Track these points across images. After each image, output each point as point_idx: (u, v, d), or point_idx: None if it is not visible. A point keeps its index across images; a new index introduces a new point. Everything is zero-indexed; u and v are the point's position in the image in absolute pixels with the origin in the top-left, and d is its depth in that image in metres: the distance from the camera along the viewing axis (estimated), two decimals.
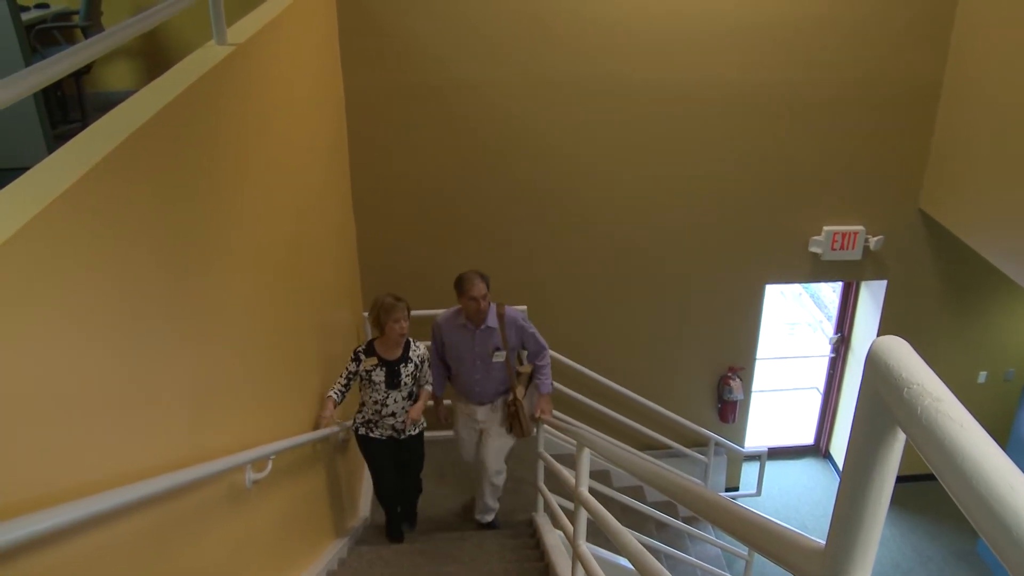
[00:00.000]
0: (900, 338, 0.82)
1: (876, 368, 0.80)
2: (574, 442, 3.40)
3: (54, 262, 1.44)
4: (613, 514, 2.84)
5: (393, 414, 4.04)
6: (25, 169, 1.56)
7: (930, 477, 0.90)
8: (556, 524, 4.30)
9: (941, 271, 6.11)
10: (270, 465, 2.85)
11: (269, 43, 3.19)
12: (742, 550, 5.38)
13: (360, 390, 4.15)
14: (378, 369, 3.96)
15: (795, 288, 10.64)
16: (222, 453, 2.37)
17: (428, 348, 4.30)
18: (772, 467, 6.94)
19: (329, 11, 4.89)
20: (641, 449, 6.06)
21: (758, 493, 6.48)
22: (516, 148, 5.51)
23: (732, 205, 5.78)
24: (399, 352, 4.00)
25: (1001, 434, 6.28)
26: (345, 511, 4.67)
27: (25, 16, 4.15)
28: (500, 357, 4.30)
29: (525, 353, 4.49)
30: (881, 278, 6.18)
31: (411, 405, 4.11)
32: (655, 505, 4.95)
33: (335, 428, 3.95)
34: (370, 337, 4.19)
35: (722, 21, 5.23)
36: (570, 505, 3.63)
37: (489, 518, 4.87)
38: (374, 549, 4.52)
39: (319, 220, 4.29)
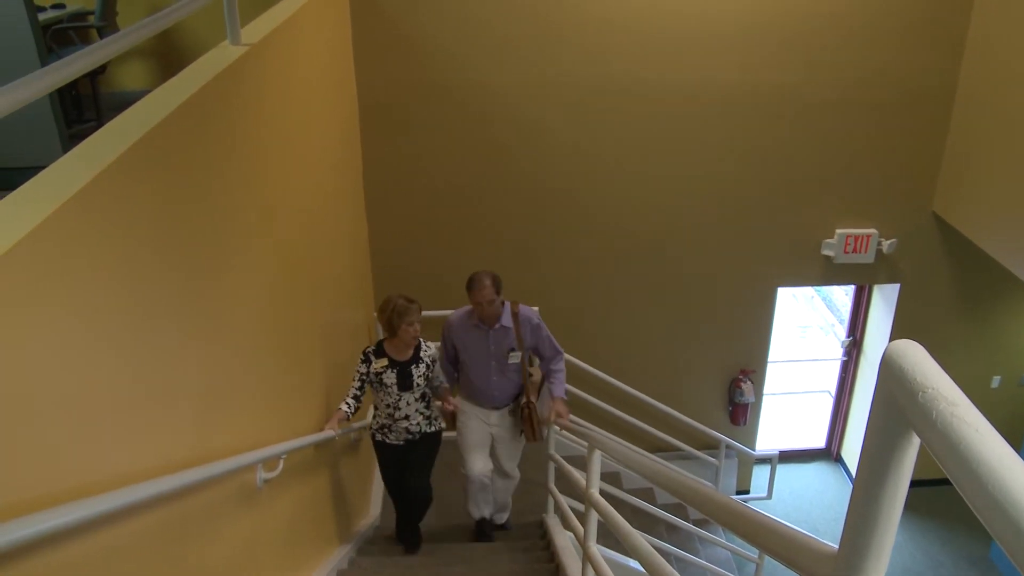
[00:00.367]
0: (915, 342, 0.82)
1: (891, 372, 0.80)
2: (585, 444, 3.39)
3: (65, 262, 1.44)
4: (624, 516, 2.83)
5: (407, 416, 3.96)
6: (40, 168, 1.58)
7: (941, 482, 0.89)
8: (567, 525, 4.30)
9: (954, 275, 6.07)
10: (281, 464, 2.86)
11: (283, 43, 3.20)
12: (752, 553, 5.36)
13: (373, 394, 4.08)
14: (389, 371, 3.88)
15: (807, 291, 10.60)
16: (230, 453, 2.37)
17: (439, 348, 4.22)
18: (783, 470, 6.91)
19: (342, 11, 4.91)
20: (652, 451, 6.04)
21: (769, 496, 6.45)
22: (528, 148, 5.51)
23: (745, 207, 5.77)
24: (410, 353, 3.92)
25: (1015, 439, 6.23)
26: (357, 510, 4.67)
27: (41, 16, 4.18)
28: (516, 358, 4.18)
29: (537, 361, 4.42)
30: (894, 281, 6.14)
31: (425, 407, 4.03)
32: (665, 507, 4.93)
33: (335, 433, 3.81)
34: (380, 337, 4.11)
35: (750, 20, 5.25)
36: (580, 507, 3.62)
37: (503, 519, 4.85)
38: (384, 549, 4.52)
39: (331, 220, 4.29)
